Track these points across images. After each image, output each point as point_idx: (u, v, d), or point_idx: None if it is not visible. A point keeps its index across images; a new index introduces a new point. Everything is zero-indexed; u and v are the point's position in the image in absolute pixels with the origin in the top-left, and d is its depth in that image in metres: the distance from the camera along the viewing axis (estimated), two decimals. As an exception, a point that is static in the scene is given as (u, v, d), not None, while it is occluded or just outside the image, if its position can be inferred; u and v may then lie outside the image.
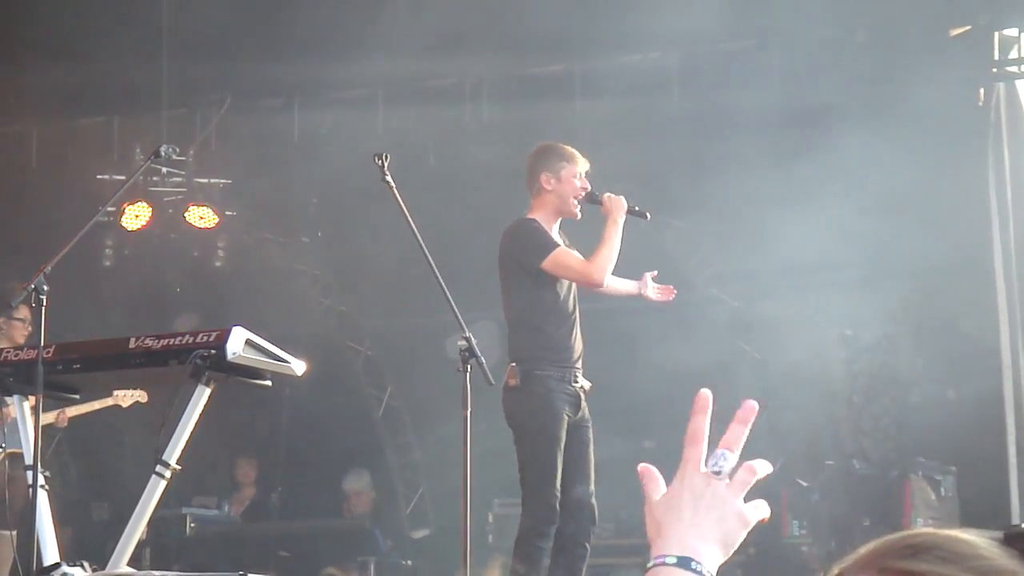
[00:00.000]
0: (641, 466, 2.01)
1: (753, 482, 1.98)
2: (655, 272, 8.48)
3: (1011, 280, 11.48)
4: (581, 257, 7.99)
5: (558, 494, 7.75)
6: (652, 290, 8.43)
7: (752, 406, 2.01)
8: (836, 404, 12.62)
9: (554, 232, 8.11)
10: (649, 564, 1.93)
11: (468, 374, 7.57)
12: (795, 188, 11.35)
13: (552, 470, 7.80)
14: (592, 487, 7.92)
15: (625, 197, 8.05)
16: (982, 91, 11.64)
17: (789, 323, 12.62)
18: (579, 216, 8.15)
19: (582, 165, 8.11)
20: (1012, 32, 11.61)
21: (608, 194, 8.04)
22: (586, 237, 8.14)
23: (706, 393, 2.01)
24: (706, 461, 2.00)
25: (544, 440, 7.84)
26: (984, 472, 11.60)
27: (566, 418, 7.88)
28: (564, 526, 7.81)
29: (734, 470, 2.01)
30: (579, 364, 8.03)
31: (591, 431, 8.01)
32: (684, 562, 1.91)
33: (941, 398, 12.14)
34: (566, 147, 8.21)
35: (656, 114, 12.11)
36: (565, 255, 7.95)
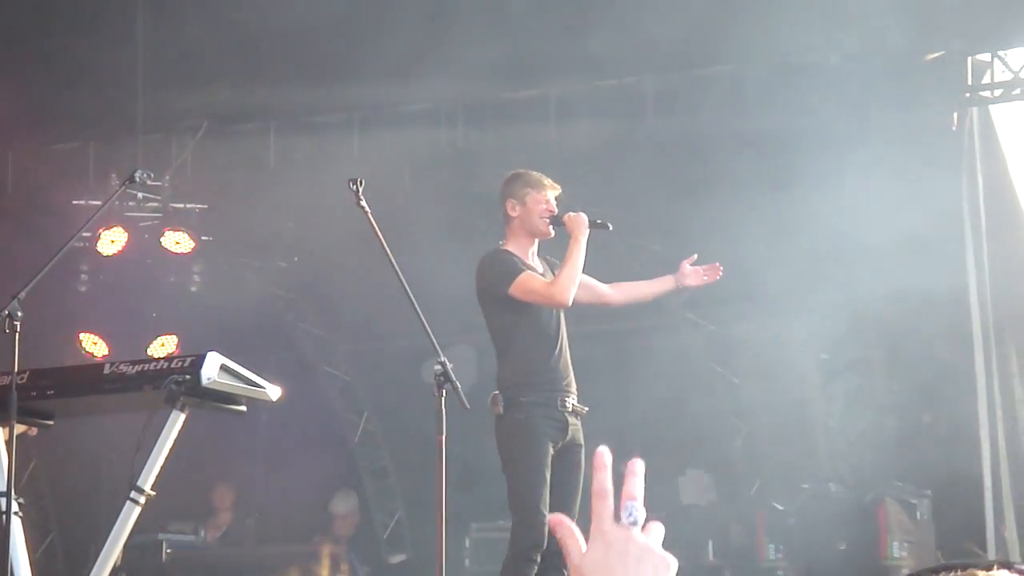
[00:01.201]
0: (552, 517, 2.06)
1: (662, 534, 2.04)
2: (694, 256, 8.54)
3: (985, 305, 11.52)
4: (541, 280, 8.03)
5: (544, 518, 7.75)
6: (694, 276, 8.49)
7: (634, 461, 2.06)
8: (812, 428, 12.64)
9: (531, 257, 8.17)
10: None
11: (443, 399, 7.59)
12: (770, 212, 11.39)
13: (536, 494, 7.81)
14: (575, 511, 7.93)
15: (585, 213, 8.08)
16: (956, 116, 11.69)
17: (765, 347, 12.65)
18: (552, 234, 8.19)
19: (550, 191, 8.18)
20: (985, 57, 11.67)
21: (569, 213, 8.09)
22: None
23: (603, 450, 2.06)
24: (617, 515, 2.03)
25: (526, 466, 7.87)
26: (959, 496, 11.62)
27: (549, 444, 7.90)
28: (549, 547, 7.83)
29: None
30: (568, 388, 8.06)
31: (582, 454, 8.03)
32: None
33: (916, 422, 12.17)
34: (533, 174, 8.29)
35: (631, 138, 12.15)
36: (529, 279, 8.00)
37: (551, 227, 8.18)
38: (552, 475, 7.91)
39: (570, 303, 8.04)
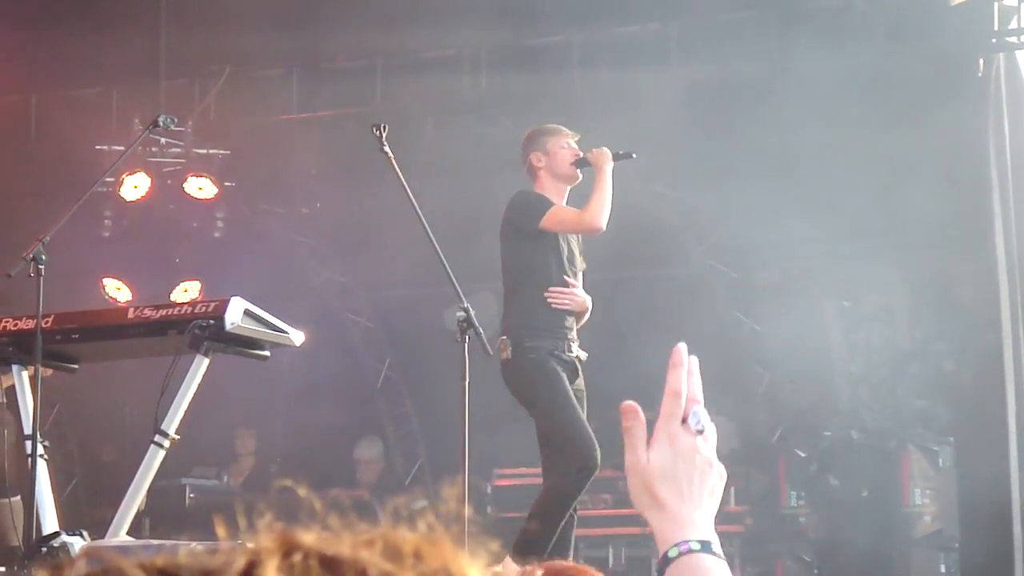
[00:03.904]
0: (626, 403, 2.02)
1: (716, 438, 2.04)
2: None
3: (1011, 251, 11.46)
4: (573, 209, 8.12)
5: (591, 439, 7.79)
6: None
7: (691, 360, 2.04)
8: (834, 375, 12.63)
9: (563, 203, 8.23)
10: (671, 553, 1.93)
11: (466, 345, 7.62)
12: (794, 158, 11.34)
13: (575, 423, 7.86)
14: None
15: (607, 147, 8.12)
16: (982, 62, 11.61)
17: (787, 294, 12.63)
18: (580, 177, 8.27)
19: (569, 136, 8.28)
20: (1012, 2, 11.58)
21: (592, 150, 8.13)
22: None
23: (682, 347, 2.03)
24: (684, 418, 2.01)
25: (553, 397, 7.91)
26: (983, 444, 11.60)
27: (564, 376, 7.94)
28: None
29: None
30: (572, 336, 8.09)
31: (585, 402, 8.06)
32: (706, 547, 1.94)
33: (940, 369, 12.15)
34: (550, 125, 8.39)
35: (654, 85, 12.09)
36: (561, 210, 8.11)
37: (578, 170, 8.21)
38: None
39: (604, 228, 8.07)
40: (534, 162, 8.24)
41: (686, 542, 1.93)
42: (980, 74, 11.58)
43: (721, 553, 1.95)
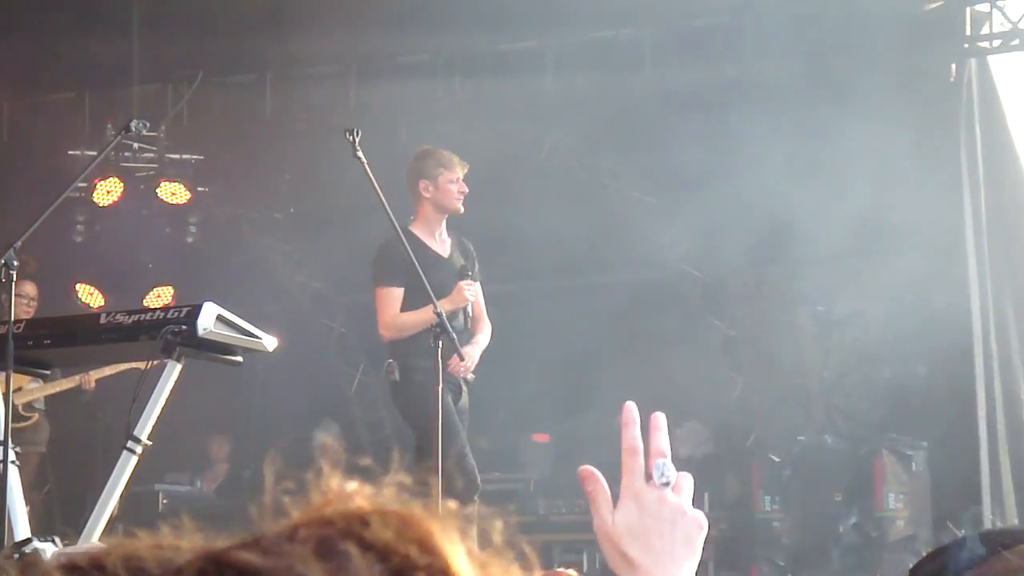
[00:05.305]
0: (583, 469, 2.00)
1: (692, 486, 2.00)
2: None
3: (982, 256, 11.50)
4: (395, 309, 8.34)
5: (472, 462, 8.03)
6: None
7: (656, 415, 2.02)
8: (808, 380, 12.65)
9: (437, 236, 8.50)
10: None
11: (440, 350, 7.66)
12: (766, 163, 11.36)
13: (460, 440, 8.24)
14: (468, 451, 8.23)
15: (474, 295, 8.38)
16: (954, 67, 11.65)
17: (761, 299, 12.65)
18: (462, 211, 8.50)
19: (460, 169, 8.47)
20: (984, 8, 11.62)
21: (465, 284, 8.26)
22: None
23: (630, 406, 2.01)
24: (648, 474, 1.99)
25: (439, 416, 8.04)
26: (955, 447, 11.64)
27: (451, 397, 8.14)
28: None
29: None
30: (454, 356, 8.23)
31: (467, 421, 8.25)
32: None
33: (912, 374, 12.18)
34: (444, 152, 8.57)
35: (627, 90, 12.10)
36: (385, 295, 8.36)
37: (460, 203, 8.46)
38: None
39: (385, 338, 8.39)
40: (422, 190, 8.46)
41: None
42: (952, 79, 11.62)
43: None
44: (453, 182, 8.42)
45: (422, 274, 7.94)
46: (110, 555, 1.13)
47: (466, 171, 8.49)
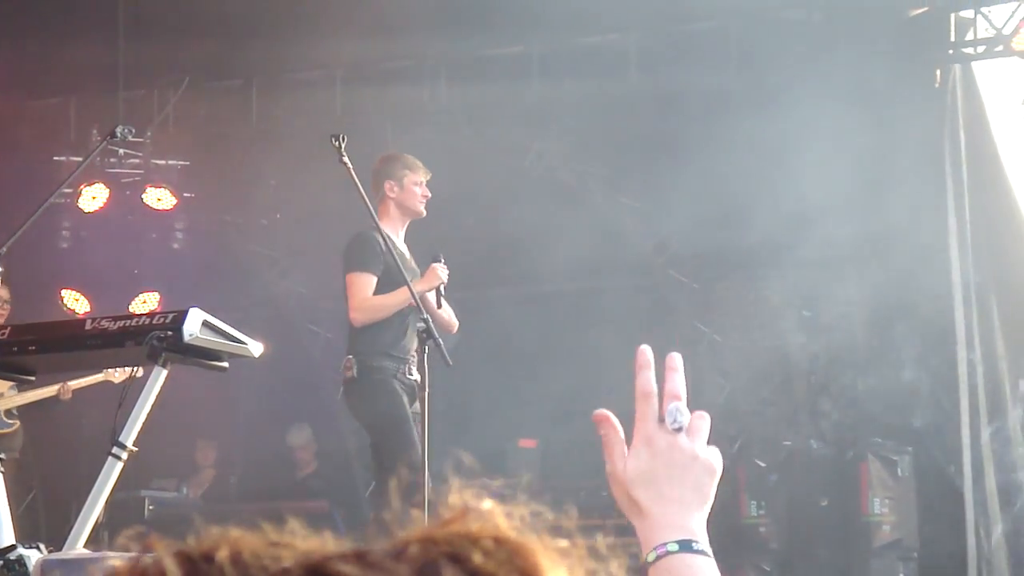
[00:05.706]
0: (598, 412, 1.98)
1: (708, 427, 1.98)
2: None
3: (967, 261, 11.53)
4: (368, 293, 8.45)
5: (425, 478, 7.89)
6: None
7: (672, 355, 2.01)
8: (794, 385, 12.66)
9: (401, 235, 8.63)
10: (650, 557, 1.91)
11: (426, 355, 7.68)
12: (752, 169, 11.38)
13: (415, 450, 7.99)
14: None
15: (447, 275, 8.42)
16: (938, 73, 11.68)
17: (747, 304, 12.66)
18: (424, 214, 8.67)
19: (423, 174, 8.67)
20: (968, 14, 11.65)
21: (438, 265, 8.32)
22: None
23: (645, 348, 1.99)
24: (661, 418, 1.97)
25: (396, 421, 8.14)
26: (940, 453, 11.66)
27: (405, 399, 8.10)
28: None
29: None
30: (412, 359, 8.36)
31: (422, 424, 8.27)
32: (685, 546, 1.90)
33: (898, 379, 12.19)
34: (409, 157, 8.78)
35: (614, 95, 12.11)
36: (359, 279, 8.48)
37: (423, 207, 8.64)
38: None
39: (356, 324, 8.51)
40: (387, 190, 8.62)
41: (663, 544, 1.91)
42: (937, 85, 11.65)
43: (706, 549, 1.92)
44: (417, 184, 8.61)
45: (397, 261, 8.02)
46: (219, 549, 1.14)
47: (429, 177, 8.67)
